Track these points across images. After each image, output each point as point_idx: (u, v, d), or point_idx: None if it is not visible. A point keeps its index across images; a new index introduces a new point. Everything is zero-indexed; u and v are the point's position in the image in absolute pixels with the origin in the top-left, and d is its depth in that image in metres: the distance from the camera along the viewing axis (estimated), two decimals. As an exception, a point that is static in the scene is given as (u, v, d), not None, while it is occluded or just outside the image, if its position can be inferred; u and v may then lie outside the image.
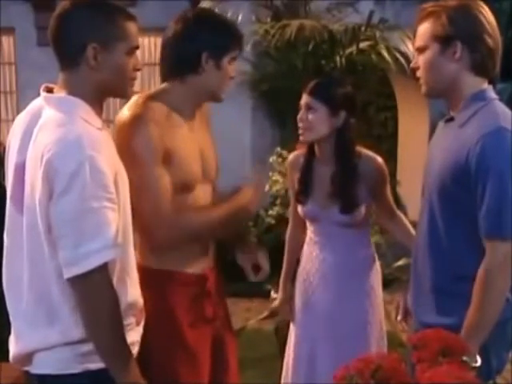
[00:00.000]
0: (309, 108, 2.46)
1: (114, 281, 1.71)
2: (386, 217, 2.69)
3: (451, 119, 1.99)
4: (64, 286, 1.66)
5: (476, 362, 1.81)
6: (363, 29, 5.94)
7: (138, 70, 1.80)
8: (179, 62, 1.92)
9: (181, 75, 1.93)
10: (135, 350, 1.83)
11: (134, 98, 1.94)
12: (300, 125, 2.49)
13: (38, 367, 1.75)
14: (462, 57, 1.90)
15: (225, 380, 2.13)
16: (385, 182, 2.58)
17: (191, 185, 1.96)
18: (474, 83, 1.93)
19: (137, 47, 1.78)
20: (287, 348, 2.74)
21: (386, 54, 5.79)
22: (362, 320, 2.56)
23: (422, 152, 7.39)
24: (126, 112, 1.91)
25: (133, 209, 1.82)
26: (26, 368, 1.77)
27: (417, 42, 1.99)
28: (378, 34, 5.93)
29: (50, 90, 1.77)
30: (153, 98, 1.95)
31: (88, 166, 1.58)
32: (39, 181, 1.62)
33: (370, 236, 2.68)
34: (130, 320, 1.79)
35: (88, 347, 1.68)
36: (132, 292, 1.80)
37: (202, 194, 2.02)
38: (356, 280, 2.58)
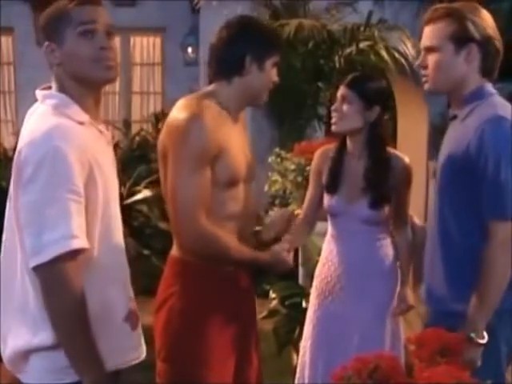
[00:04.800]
0: (344, 99, 2.52)
1: (97, 280, 1.68)
2: (395, 224, 2.65)
3: (455, 117, 2.06)
4: (30, 286, 1.63)
5: (483, 338, 1.89)
6: (362, 29, 5.95)
7: (103, 48, 1.70)
8: (225, 64, 2.04)
9: (227, 77, 2.05)
10: (137, 354, 1.82)
11: (186, 100, 2.02)
12: (333, 115, 2.56)
13: (18, 372, 1.71)
14: (474, 58, 1.97)
15: (248, 374, 2.18)
16: (408, 184, 2.58)
17: (236, 180, 2.04)
18: (478, 83, 2.00)
19: (89, 30, 1.69)
20: (301, 345, 2.71)
21: (384, 53, 5.80)
22: (378, 322, 2.54)
23: (421, 152, 7.38)
24: (180, 113, 1.96)
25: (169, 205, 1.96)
26: (13, 370, 1.73)
27: (427, 41, 2.03)
28: (376, 33, 5.93)
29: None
30: (204, 98, 2.03)
31: (52, 156, 1.57)
32: (13, 172, 1.63)
33: (390, 236, 2.63)
34: (122, 326, 1.76)
35: (58, 361, 1.63)
36: (116, 293, 1.77)
37: (243, 191, 2.10)
38: (375, 281, 2.56)
